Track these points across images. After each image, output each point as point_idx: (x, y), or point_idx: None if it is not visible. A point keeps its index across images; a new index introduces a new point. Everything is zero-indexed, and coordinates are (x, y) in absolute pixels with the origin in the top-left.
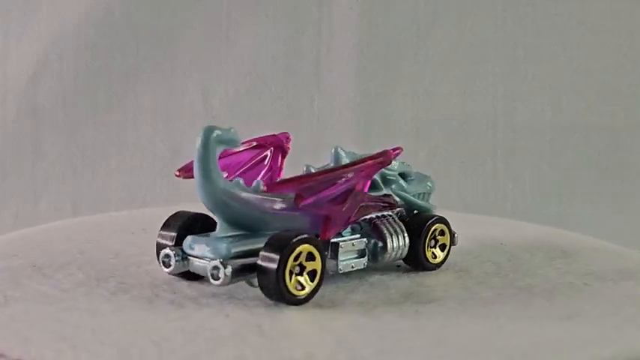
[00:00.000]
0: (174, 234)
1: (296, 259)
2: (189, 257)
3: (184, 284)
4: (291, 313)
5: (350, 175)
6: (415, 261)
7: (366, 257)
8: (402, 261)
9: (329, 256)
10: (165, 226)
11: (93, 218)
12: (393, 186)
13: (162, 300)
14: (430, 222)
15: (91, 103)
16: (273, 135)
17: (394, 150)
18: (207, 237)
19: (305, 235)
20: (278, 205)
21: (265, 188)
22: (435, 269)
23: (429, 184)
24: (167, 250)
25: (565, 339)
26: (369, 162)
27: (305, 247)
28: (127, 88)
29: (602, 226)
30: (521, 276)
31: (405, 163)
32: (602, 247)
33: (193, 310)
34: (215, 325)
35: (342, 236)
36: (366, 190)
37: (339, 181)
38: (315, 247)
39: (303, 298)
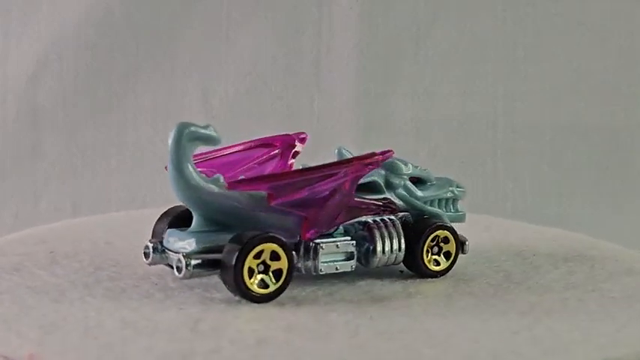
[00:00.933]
0: (165, 228)
1: (259, 257)
2: (166, 250)
3: (172, 277)
4: (244, 310)
5: (330, 175)
6: (414, 267)
7: (354, 260)
8: (404, 266)
9: (311, 257)
10: (159, 220)
11: (134, 213)
12: (399, 190)
13: (137, 290)
14: (430, 228)
15: (91, 103)
16: (287, 134)
17: (384, 153)
18: (183, 231)
19: (268, 234)
20: (256, 204)
21: (227, 185)
22: (437, 277)
23: (452, 189)
24: (147, 242)
25: (496, 354)
26: (353, 163)
27: (268, 246)
28: (127, 88)
29: (602, 226)
30: (522, 289)
31: (421, 168)
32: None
33: (157, 301)
34: (161, 317)
35: (331, 237)
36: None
37: (319, 182)
38: (280, 246)
39: (266, 297)
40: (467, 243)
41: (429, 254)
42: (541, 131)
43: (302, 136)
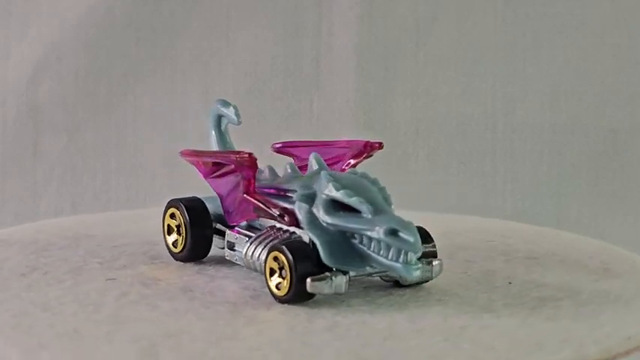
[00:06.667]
0: None
1: (174, 218)
2: None
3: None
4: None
5: (224, 165)
6: None
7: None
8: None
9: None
10: None
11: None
12: (300, 205)
13: (120, 279)
14: (270, 247)
15: (91, 104)
16: (366, 141)
17: (248, 156)
18: None
19: (179, 200)
20: None
21: (180, 153)
22: (280, 302)
23: (376, 230)
24: None
25: None
26: (229, 158)
27: (175, 211)
28: (127, 89)
29: (601, 226)
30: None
31: (382, 196)
32: None
33: (112, 284)
34: (90, 296)
35: (250, 230)
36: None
37: (220, 170)
38: (181, 213)
39: (176, 256)
40: (316, 282)
41: (275, 276)
42: (541, 132)
43: (375, 144)
